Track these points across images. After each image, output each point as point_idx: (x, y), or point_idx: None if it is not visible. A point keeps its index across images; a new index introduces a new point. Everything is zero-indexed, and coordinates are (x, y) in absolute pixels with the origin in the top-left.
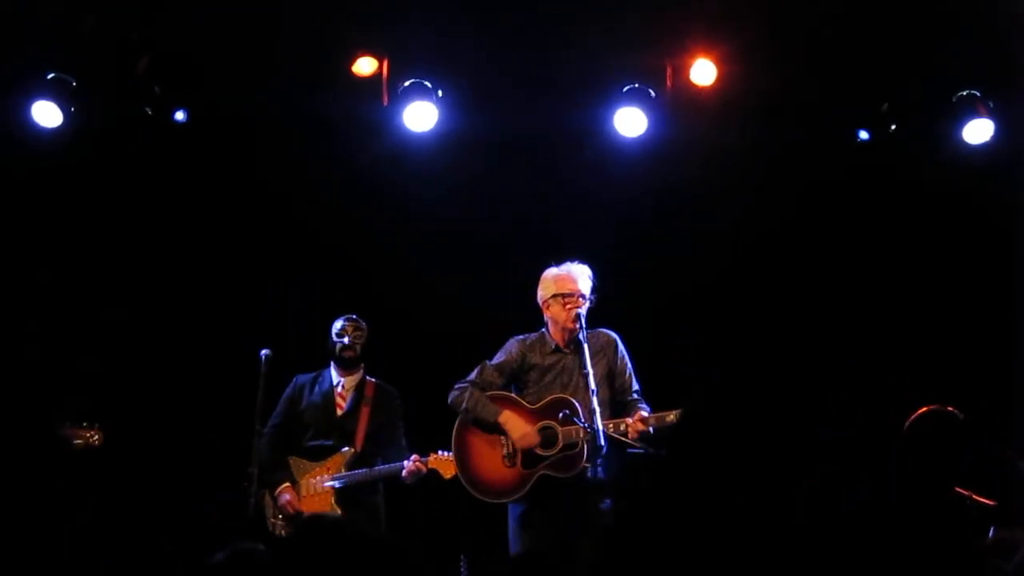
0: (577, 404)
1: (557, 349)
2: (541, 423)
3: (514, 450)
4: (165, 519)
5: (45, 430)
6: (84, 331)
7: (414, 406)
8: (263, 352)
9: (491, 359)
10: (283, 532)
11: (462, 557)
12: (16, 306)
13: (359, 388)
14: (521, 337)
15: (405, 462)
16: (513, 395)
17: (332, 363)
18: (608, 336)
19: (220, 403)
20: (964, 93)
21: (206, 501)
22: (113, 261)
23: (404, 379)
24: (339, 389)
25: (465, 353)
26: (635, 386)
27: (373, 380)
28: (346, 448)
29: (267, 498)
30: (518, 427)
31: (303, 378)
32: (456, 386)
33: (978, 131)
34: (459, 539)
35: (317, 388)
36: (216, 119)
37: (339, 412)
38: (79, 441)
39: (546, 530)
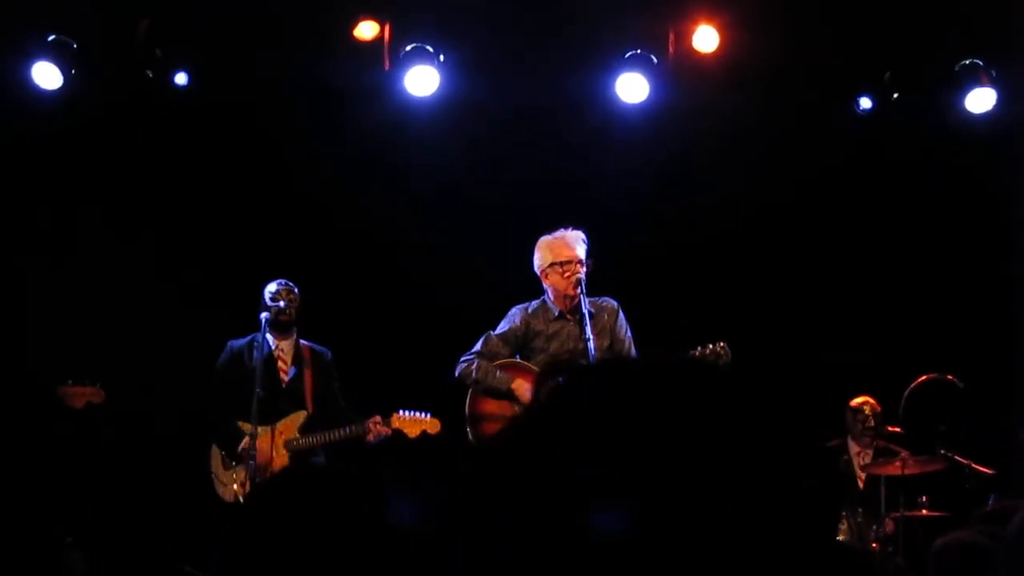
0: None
1: (560, 316)
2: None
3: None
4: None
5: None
6: (83, 293)
7: (387, 370)
8: (262, 315)
9: (494, 329)
10: (236, 495)
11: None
12: (15, 270)
13: (297, 352)
14: (523, 305)
15: (369, 424)
16: (521, 361)
17: (266, 327)
18: (610, 304)
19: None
20: (967, 62)
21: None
22: (111, 224)
23: (400, 346)
24: (279, 353)
25: (463, 318)
26: (634, 353)
27: (307, 343)
28: (299, 411)
29: (217, 458)
30: (529, 392)
31: (237, 343)
32: (462, 359)
33: (980, 100)
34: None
35: (256, 353)
36: (216, 83)
37: (283, 376)
38: (81, 398)
39: None
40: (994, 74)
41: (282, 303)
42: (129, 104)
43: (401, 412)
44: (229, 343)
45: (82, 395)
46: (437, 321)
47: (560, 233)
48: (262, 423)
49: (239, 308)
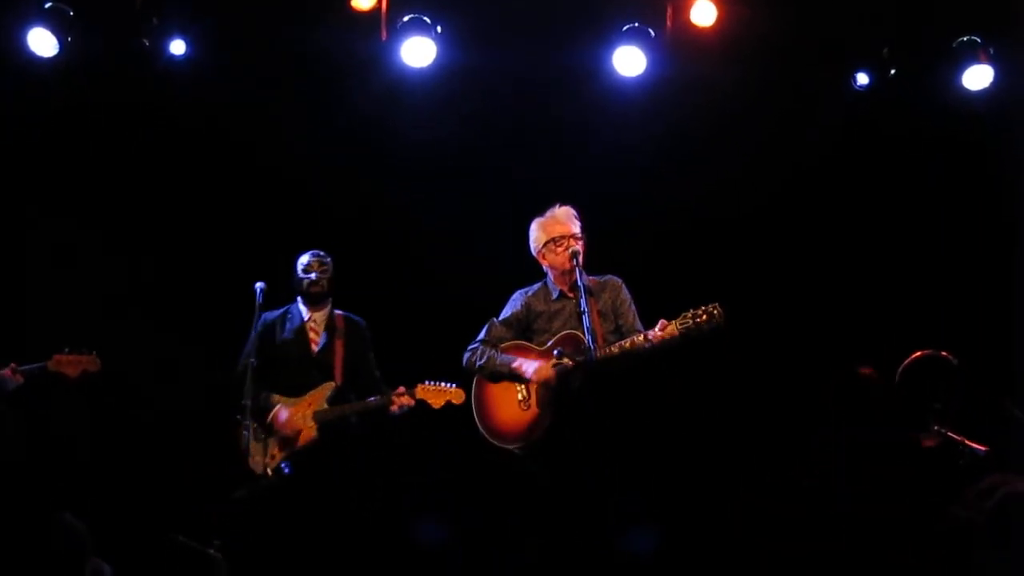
0: (581, 335)
1: (561, 296)
2: (552, 360)
3: (527, 393)
4: (157, 453)
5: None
6: (78, 265)
7: (406, 340)
8: (258, 285)
9: (497, 316)
10: (268, 467)
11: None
12: (9, 239)
13: (330, 322)
14: (524, 289)
15: (393, 396)
16: (524, 343)
17: (299, 299)
18: (613, 281)
19: (215, 336)
20: (965, 39)
21: (199, 434)
22: (107, 194)
23: (399, 317)
24: (311, 324)
25: (459, 292)
26: (639, 326)
27: (341, 313)
28: (328, 382)
29: (249, 430)
30: (531, 366)
31: (271, 315)
32: (468, 348)
33: (978, 77)
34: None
35: (288, 325)
36: (213, 52)
37: (314, 348)
38: (76, 366)
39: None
40: (992, 51)
41: (314, 275)
42: (125, 72)
43: (427, 382)
44: (263, 315)
45: (77, 363)
46: (434, 294)
47: (552, 211)
48: (292, 394)
49: (231, 278)
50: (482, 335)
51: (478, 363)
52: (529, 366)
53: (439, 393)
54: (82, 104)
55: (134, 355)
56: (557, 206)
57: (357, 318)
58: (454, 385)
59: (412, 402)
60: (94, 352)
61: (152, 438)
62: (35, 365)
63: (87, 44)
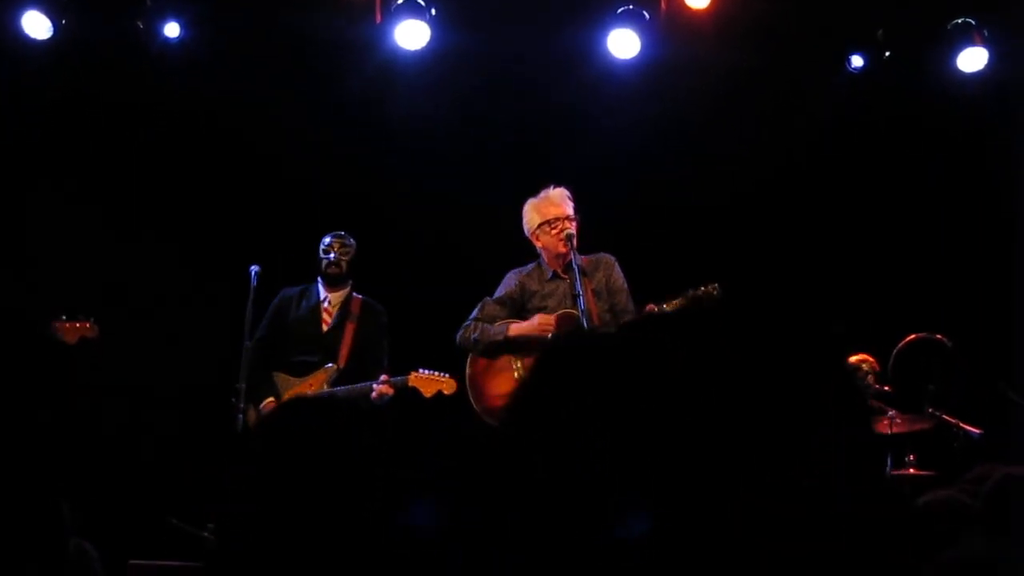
0: (580, 316)
1: (555, 276)
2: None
3: (524, 371)
4: (152, 434)
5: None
6: (74, 248)
7: (401, 326)
8: (253, 268)
9: (491, 296)
10: None
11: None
12: (6, 219)
13: (345, 304)
14: (518, 269)
15: (375, 383)
16: (517, 320)
17: (319, 279)
18: (606, 259)
19: (210, 319)
20: (959, 21)
21: (194, 416)
22: (103, 176)
23: (394, 298)
24: (325, 305)
25: (455, 273)
26: (631, 307)
27: (360, 297)
28: (330, 364)
29: (252, 413)
30: (531, 323)
31: (290, 291)
32: (461, 326)
33: (972, 59)
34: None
35: (304, 303)
36: (207, 34)
37: (324, 328)
38: (74, 333)
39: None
40: (986, 33)
41: (333, 255)
42: (119, 54)
43: (420, 370)
44: (282, 290)
45: (76, 330)
46: (428, 276)
47: (545, 193)
48: (296, 374)
49: (225, 260)
50: (475, 313)
51: (472, 338)
52: (526, 325)
53: (431, 382)
54: (77, 86)
55: (131, 339)
56: (551, 187)
57: (377, 304)
58: (447, 375)
59: (391, 391)
60: (92, 319)
61: (147, 419)
62: None
63: (82, 26)
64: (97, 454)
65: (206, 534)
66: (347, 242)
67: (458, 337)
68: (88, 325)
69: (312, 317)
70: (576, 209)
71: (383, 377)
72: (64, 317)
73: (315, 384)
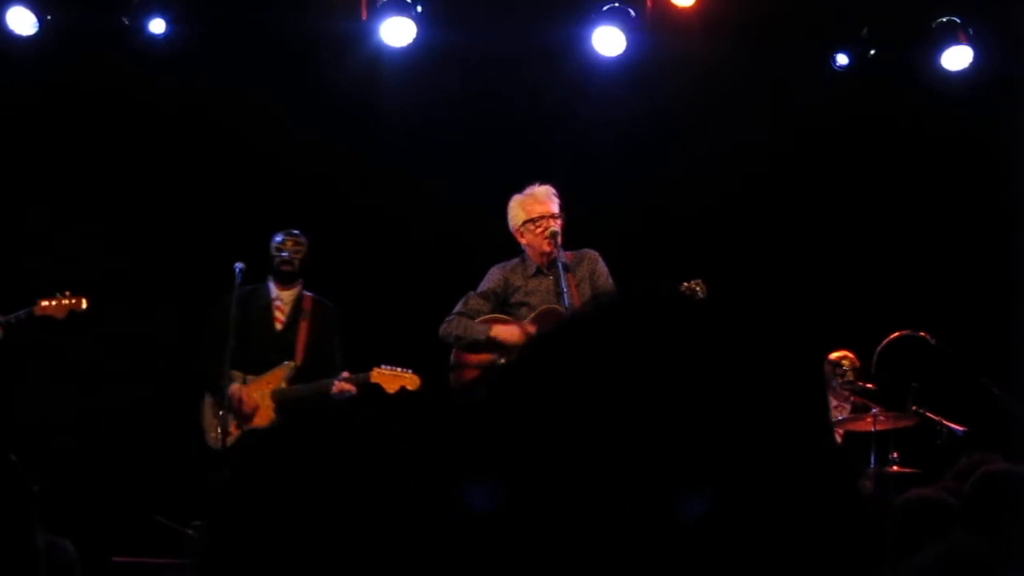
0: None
1: (538, 272)
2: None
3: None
4: (135, 432)
5: None
6: (59, 247)
7: (377, 321)
8: (238, 266)
9: (475, 290)
10: (222, 442)
11: None
12: None
13: (297, 303)
14: (502, 264)
15: (336, 380)
16: (501, 316)
17: (270, 277)
18: (590, 253)
19: (194, 316)
20: (944, 19)
21: (178, 414)
22: (87, 173)
23: (377, 297)
24: (277, 303)
25: (437, 270)
26: None
27: (311, 294)
28: (288, 361)
29: (207, 405)
30: (511, 331)
31: (241, 291)
32: (445, 320)
33: (957, 58)
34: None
35: (256, 302)
36: (193, 30)
37: (278, 327)
38: (62, 308)
39: None
40: (971, 32)
41: (286, 253)
42: (104, 50)
43: (383, 366)
44: (236, 290)
45: (63, 306)
46: (412, 271)
47: (530, 190)
48: (253, 372)
49: (209, 256)
50: (459, 307)
51: (455, 333)
52: (508, 332)
53: (394, 378)
54: (61, 82)
55: (114, 336)
56: (536, 184)
57: (327, 302)
58: (410, 371)
59: (353, 388)
60: (80, 294)
61: (131, 416)
62: (21, 312)
63: (67, 22)
64: (79, 451)
65: (190, 531)
66: (300, 240)
67: (441, 331)
68: (76, 300)
69: (265, 316)
70: (561, 207)
71: (344, 374)
72: (57, 293)
73: (273, 381)
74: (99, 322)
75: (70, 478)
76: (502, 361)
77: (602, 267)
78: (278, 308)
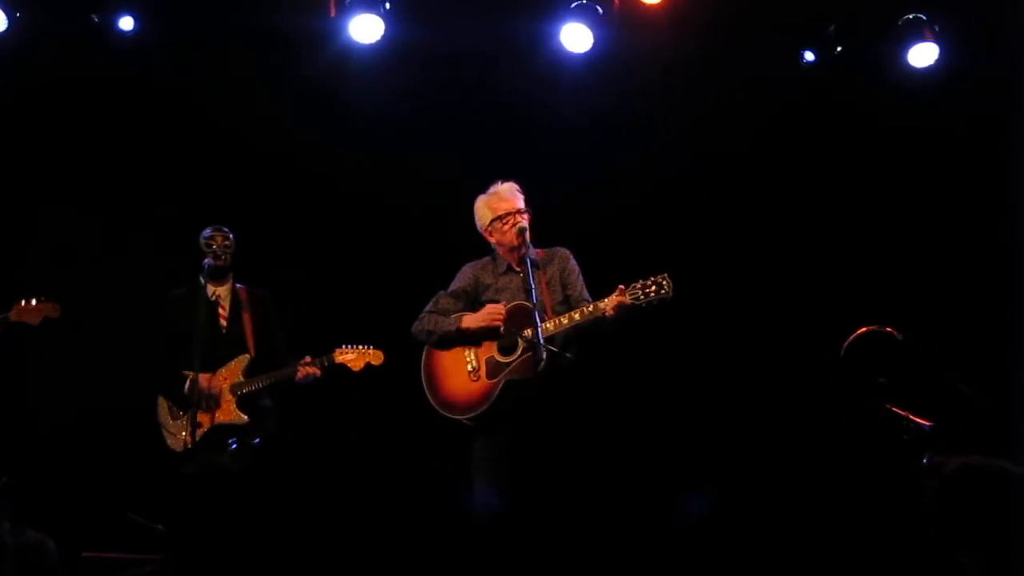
0: (532, 308)
1: (509, 269)
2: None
3: (477, 363)
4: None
5: None
6: (28, 242)
7: (348, 314)
8: (206, 262)
9: (446, 289)
10: (192, 439)
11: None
12: None
13: (234, 296)
14: (472, 263)
15: (300, 364)
16: (471, 313)
17: (202, 274)
18: (561, 251)
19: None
20: (910, 16)
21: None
22: (55, 169)
23: (348, 288)
24: (216, 298)
25: (407, 264)
26: (587, 296)
27: (243, 286)
28: (242, 355)
29: (164, 408)
30: (477, 316)
31: (176, 291)
32: (417, 319)
33: (923, 55)
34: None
35: (194, 302)
36: (162, 27)
37: (223, 323)
38: (37, 313)
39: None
40: (937, 29)
41: (216, 247)
42: (75, 48)
43: (343, 347)
44: (170, 293)
45: (38, 311)
46: (379, 265)
47: (494, 189)
48: (206, 370)
49: (178, 252)
50: (429, 306)
51: (426, 329)
52: (475, 316)
53: (358, 356)
54: (31, 79)
55: (82, 333)
56: (499, 183)
57: (260, 289)
58: (371, 347)
59: (318, 371)
60: (54, 299)
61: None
62: None
63: (36, 20)
64: (49, 447)
65: (161, 527)
66: (228, 234)
67: (413, 329)
68: (52, 305)
69: (207, 315)
70: (527, 200)
71: (306, 359)
72: (24, 301)
73: (231, 376)
74: (68, 320)
75: (40, 473)
76: (479, 363)
77: (572, 266)
78: (220, 305)
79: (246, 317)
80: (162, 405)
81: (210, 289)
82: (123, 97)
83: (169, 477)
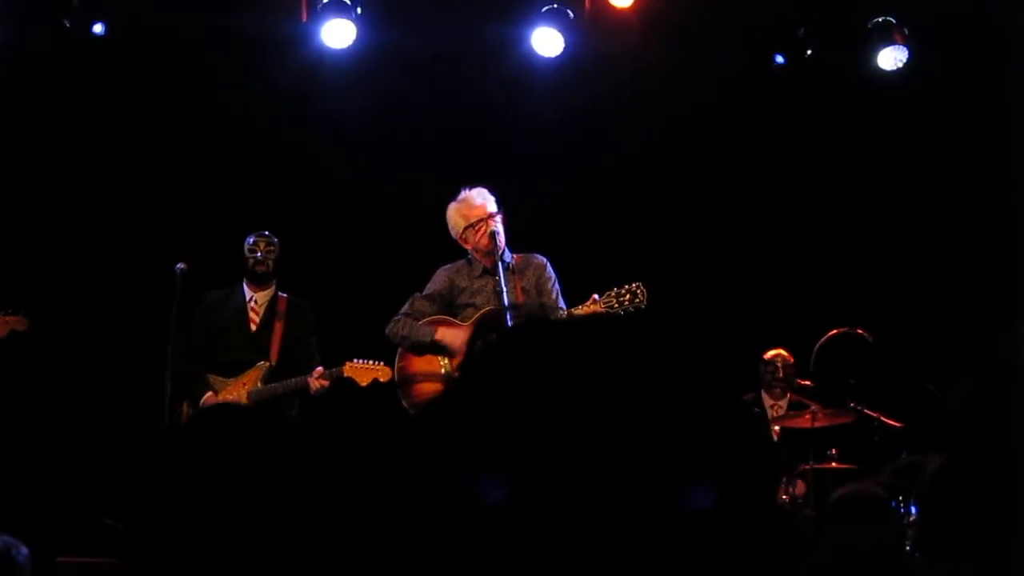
0: (506, 313)
1: (484, 272)
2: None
3: (451, 368)
4: (80, 435)
5: None
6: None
7: (330, 321)
8: (178, 266)
9: (421, 291)
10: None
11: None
12: None
13: (271, 303)
14: (448, 265)
15: (308, 377)
16: (446, 317)
17: (244, 279)
18: (537, 260)
19: (135, 317)
20: (879, 19)
21: (121, 414)
22: (27, 174)
23: (323, 292)
24: (252, 304)
25: (380, 268)
26: (561, 304)
27: (285, 295)
28: (262, 362)
29: (186, 409)
30: (455, 335)
31: (214, 294)
32: (391, 320)
33: (892, 57)
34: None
35: (230, 304)
36: (134, 32)
37: (253, 328)
38: (4, 326)
39: None
40: (906, 31)
41: (259, 254)
42: (46, 52)
43: (355, 360)
44: (206, 294)
45: (5, 323)
46: (354, 270)
47: (464, 195)
48: (229, 374)
49: (154, 256)
50: (405, 308)
51: (400, 333)
52: (453, 336)
53: (366, 371)
54: (3, 84)
55: (55, 336)
56: (468, 188)
57: (303, 301)
58: (381, 363)
59: (327, 383)
60: (22, 312)
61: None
62: None
63: (7, 26)
64: (23, 451)
65: (135, 530)
66: (272, 241)
67: (387, 331)
68: (18, 318)
69: (240, 318)
70: (499, 203)
71: (318, 370)
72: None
73: (249, 382)
74: (38, 322)
75: (14, 478)
76: (452, 368)
77: (549, 274)
78: (253, 309)
79: (277, 325)
80: (186, 411)
81: (248, 294)
82: (92, 102)
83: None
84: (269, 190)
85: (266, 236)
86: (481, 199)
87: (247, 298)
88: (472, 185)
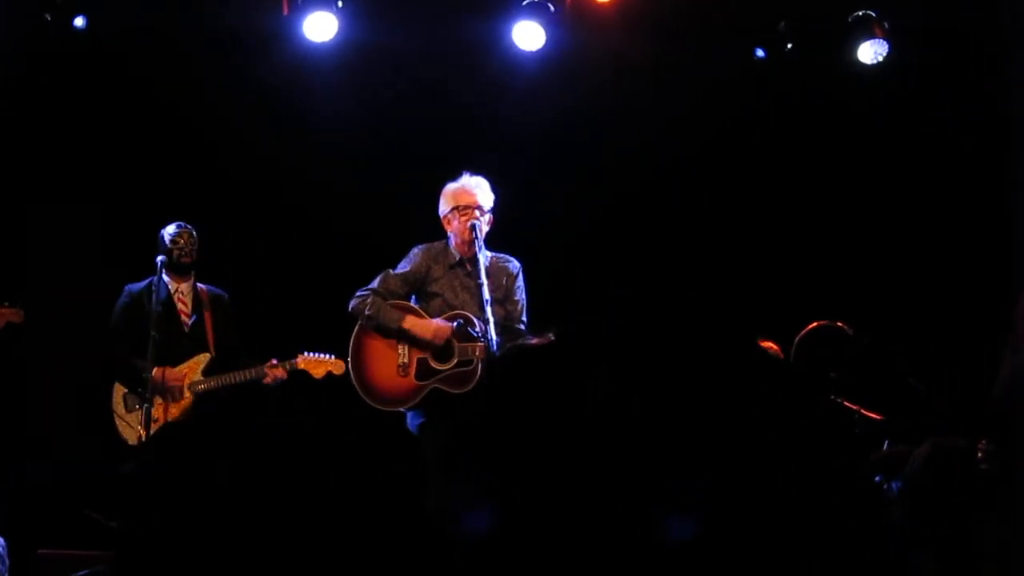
0: (476, 320)
1: (459, 262)
2: (452, 325)
3: (409, 360)
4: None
5: None
6: None
7: (299, 313)
8: (159, 259)
9: (395, 268)
10: (147, 433)
11: None
12: None
13: (195, 295)
14: (426, 246)
15: (266, 368)
16: (414, 305)
17: (164, 270)
18: (511, 265)
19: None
20: (860, 13)
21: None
22: (9, 169)
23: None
24: (178, 295)
25: (359, 265)
26: (524, 318)
27: (203, 286)
28: (203, 353)
29: (119, 397)
30: (424, 327)
31: (135, 287)
32: (357, 293)
33: (873, 51)
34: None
35: (155, 297)
36: (114, 25)
37: (185, 321)
38: (0, 318)
39: (439, 442)
40: (887, 26)
41: (183, 244)
42: (28, 47)
43: (306, 353)
44: (127, 287)
45: (2, 316)
46: (338, 265)
47: (464, 179)
48: (170, 364)
49: (135, 251)
50: (375, 284)
51: (367, 312)
52: (424, 327)
53: (320, 364)
54: None
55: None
56: (469, 174)
57: (220, 291)
58: (333, 356)
59: (285, 374)
60: (17, 304)
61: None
62: None
63: None
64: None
65: (114, 524)
66: (192, 232)
67: (352, 305)
68: (14, 311)
69: (168, 312)
70: (494, 204)
71: (272, 361)
72: None
73: (190, 373)
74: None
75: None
76: (401, 352)
77: (520, 283)
78: (180, 300)
79: (207, 316)
80: (117, 393)
81: (172, 285)
82: (74, 97)
83: (118, 474)
84: (249, 184)
85: (187, 227)
86: (476, 189)
87: (172, 289)
88: (476, 172)
